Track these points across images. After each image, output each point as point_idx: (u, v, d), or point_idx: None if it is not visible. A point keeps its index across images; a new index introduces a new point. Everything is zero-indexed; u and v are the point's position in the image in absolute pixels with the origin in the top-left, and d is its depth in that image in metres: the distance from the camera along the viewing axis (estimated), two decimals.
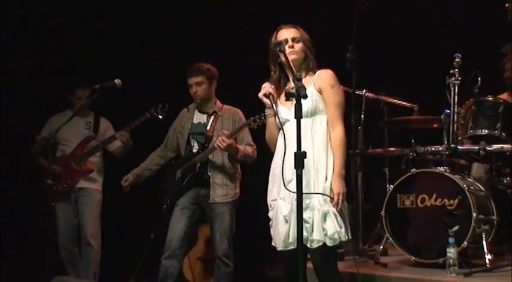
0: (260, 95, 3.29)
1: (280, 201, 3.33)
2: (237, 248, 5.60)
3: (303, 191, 2.90)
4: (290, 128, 3.22)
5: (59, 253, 5.11)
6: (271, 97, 3.26)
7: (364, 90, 4.87)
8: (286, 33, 3.43)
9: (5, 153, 5.59)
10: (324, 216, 3.23)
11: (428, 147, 4.57)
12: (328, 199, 3.24)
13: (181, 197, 4.53)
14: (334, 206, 3.24)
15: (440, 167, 4.40)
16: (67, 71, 5.78)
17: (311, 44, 3.47)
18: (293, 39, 3.42)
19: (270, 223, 3.41)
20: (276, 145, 3.45)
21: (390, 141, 5.06)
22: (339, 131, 3.33)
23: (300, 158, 2.92)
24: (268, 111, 3.42)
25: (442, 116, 4.50)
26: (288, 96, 3.01)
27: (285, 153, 3.09)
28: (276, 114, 3.28)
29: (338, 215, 3.24)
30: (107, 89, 4.26)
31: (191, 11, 6.23)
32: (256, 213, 5.97)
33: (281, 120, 3.30)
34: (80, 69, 5.77)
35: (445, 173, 4.26)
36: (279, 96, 3.38)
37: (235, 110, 4.64)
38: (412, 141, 4.76)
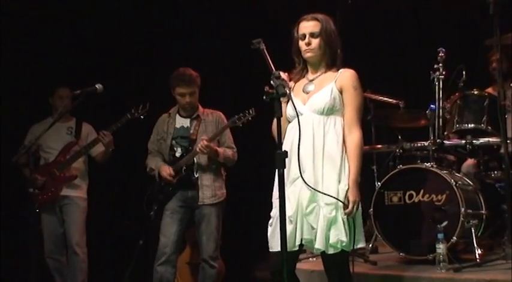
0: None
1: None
2: (226, 249, 5.59)
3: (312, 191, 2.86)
4: (302, 122, 3.06)
5: (45, 262, 5.05)
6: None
7: None
8: (305, 28, 3.25)
9: None
10: (330, 224, 3.08)
11: (415, 143, 4.54)
12: (340, 205, 3.08)
13: (169, 202, 4.51)
14: (346, 214, 3.08)
15: (427, 162, 4.36)
16: (48, 77, 5.72)
17: (335, 36, 3.27)
18: (312, 35, 3.23)
19: (270, 222, 3.22)
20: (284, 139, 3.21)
21: (377, 138, 5.03)
22: (356, 135, 3.17)
23: (281, 157, 2.83)
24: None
25: (427, 112, 4.47)
26: (267, 95, 2.90)
27: (299, 147, 2.98)
28: (290, 99, 3.05)
29: (346, 223, 3.09)
30: (88, 94, 4.22)
31: (169, 12, 6.20)
32: (245, 213, 6.00)
33: (292, 113, 3.17)
34: (59, 75, 5.70)
35: (432, 169, 4.22)
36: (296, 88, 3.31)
37: (217, 113, 4.67)
38: (399, 137, 4.72)
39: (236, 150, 4.63)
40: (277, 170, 2.86)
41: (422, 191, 4.16)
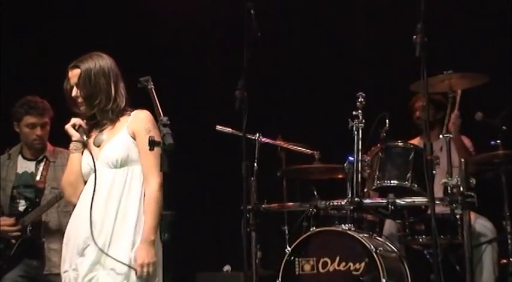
0: (67, 126, 3.00)
1: (72, 272, 2.90)
2: None
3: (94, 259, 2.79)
4: (96, 180, 2.94)
5: None
6: (81, 129, 3.00)
7: (258, 134, 4.47)
8: (70, 78, 3.03)
9: None
10: None
11: (331, 202, 4.16)
12: (132, 272, 2.85)
13: (9, 271, 3.98)
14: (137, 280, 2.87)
15: (344, 224, 4.02)
16: None
17: (101, 81, 3.00)
18: (77, 86, 3.01)
19: None
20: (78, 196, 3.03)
21: (290, 193, 4.69)
22: (153, 184, 2.97)
23: (167, 220, 2.65)
24: (74, 145, 3.03)
25: (345, 165, 4.13)
26: (152, 145, 2.70)
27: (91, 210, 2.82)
28: (85, 146, 2.99)
29: None
30: None
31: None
32: None
33: (85, 171, 3.00)
34: None
35: (349, 232, 3.92)
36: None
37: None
38: (315, 192, 4.37)
39: None
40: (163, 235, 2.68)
41: (338, 258, 3.87)
